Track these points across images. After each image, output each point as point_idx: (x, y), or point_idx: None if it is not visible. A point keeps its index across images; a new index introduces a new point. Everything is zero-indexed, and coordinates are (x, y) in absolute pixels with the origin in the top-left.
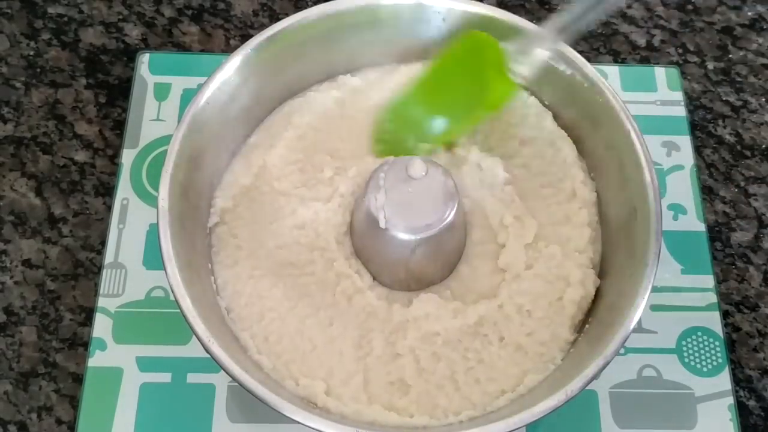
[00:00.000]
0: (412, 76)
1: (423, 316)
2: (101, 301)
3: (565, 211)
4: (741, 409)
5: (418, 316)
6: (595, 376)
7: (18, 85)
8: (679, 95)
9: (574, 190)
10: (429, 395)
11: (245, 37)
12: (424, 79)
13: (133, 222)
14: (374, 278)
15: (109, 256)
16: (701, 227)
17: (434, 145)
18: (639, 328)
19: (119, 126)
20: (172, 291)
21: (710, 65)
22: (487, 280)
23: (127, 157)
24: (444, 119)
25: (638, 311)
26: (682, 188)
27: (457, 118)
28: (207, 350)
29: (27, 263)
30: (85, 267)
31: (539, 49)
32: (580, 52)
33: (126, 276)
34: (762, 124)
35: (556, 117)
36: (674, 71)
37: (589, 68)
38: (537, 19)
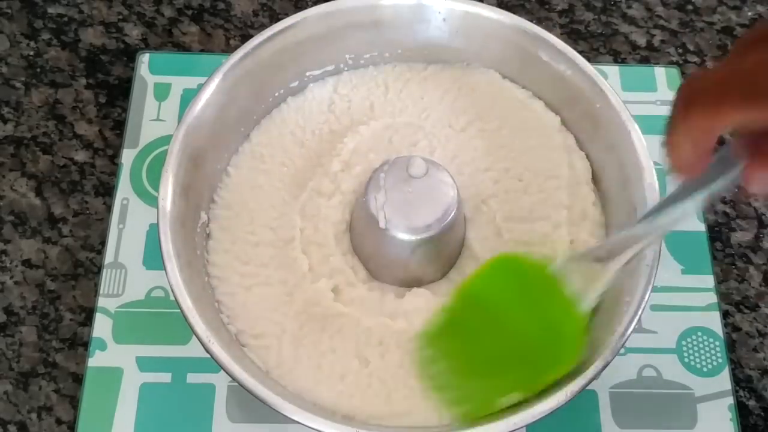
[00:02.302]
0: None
1: (412, 310)
2: (101, 301)
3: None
4: (741, 409)
5: (408, 309)
6: (595, 376)
7: (18, 85)
8: None
9: (584, 211)
10: (409, 391)
11: (245, 37)
12: (455, 313)
13: (133, 222)
14: (372, 276)
15: (109, 256)
16: (701, 227)
17: (515, 397)
18: (639, 328)
19: (119, 126)
20: (172, 291)
21: (710, 65)
22: None
23: (127, 157)
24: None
25: (638, 311)
26: None
27: (521, 378)
28: (207, 350)
29: (27, 263)
30: (85, 267)
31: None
32: (580, 52)
33: (126, 276)
34: None
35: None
36: (674, 71)
37: (589, 68)
38: (537, 19)
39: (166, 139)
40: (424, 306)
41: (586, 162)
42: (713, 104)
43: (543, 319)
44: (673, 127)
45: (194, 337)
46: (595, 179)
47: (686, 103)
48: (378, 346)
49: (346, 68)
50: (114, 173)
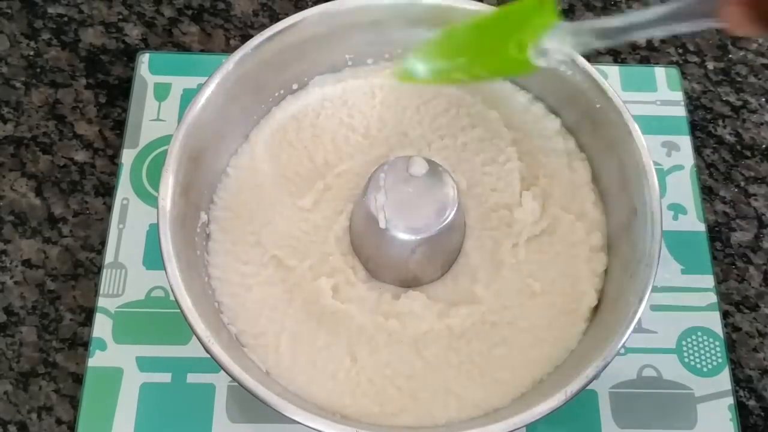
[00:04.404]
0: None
1: (406, 312)
2: (101, 301)
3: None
4: (741, 409)
5: (401, 311)
6: (595, 377)
7: (18, 85)
8: (679, 95)
9: (583, 211)
10: (397, 391)
11: (245, 37)
12: (481, 20)
13: (133, 222)
14: (371, 275)
15: (109, 256)
16: (701, 227)
17: (442, 79)
18: (639, 328)
19: (119, 126)
20: (172, 291)
21: (710, 65)
22: (479, 288)
23: (127, 157)
24: (467, 62)
25: (638, 311)
26: (682, 188)
27: (475, 66)
28: (207, 350)
29: (27, 263)
30: (85, 267)
31: (577, 40)
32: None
33: (126, 276)
34: (762, 124)
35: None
36: (674, 71)
37: (589, 68)
38: None
39: (166, 139)
40: (418, 308)
41: (586, 163)
42: None
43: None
44: None
45: (194, 337)
46: (595, 179)
47: None
48: (367, 343)
49: (346, 68)
50: (114, 173)
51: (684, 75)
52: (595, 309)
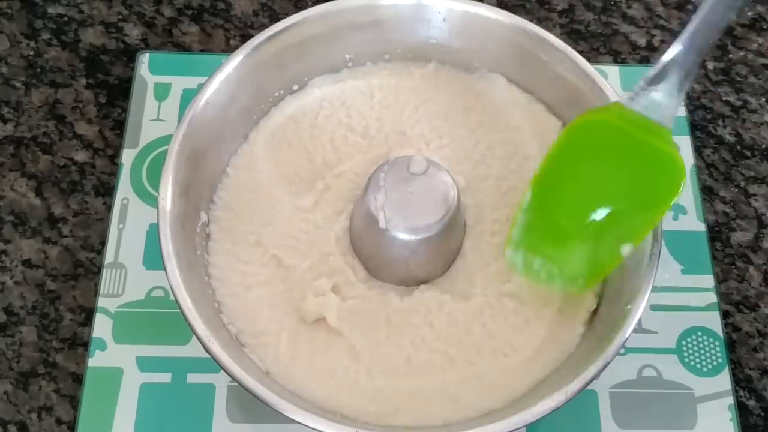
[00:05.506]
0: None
1: (415, 309)
2: (101, 301)
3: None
4: (741, 409)
5: (411, 308)
6: (595, 377)
7: (18, 85)
8: None
9: None
10: (394, 390)
11: (245, 37)
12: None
13: (133, 222)
14: (371, 275)
15: (109, 256)
16: (701, 227)
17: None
18: (639, 328)
19: (119, 126)
20: (172, 291)
21: (710, 65)
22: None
23: (127, 157)
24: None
25: (638, 311)
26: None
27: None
28: (207, 350)
29: (27, 263)
30: (85, 267)
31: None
32: (580, 52)
33: (126, 276)
34: (762, 124)
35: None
36: None
37: (589, 68)
38: (537, 19)
39: (166, 139)
40: (414, 308)
41: None
42: None
43: (635, 166)
44: None
45: (194, 337)
46: None
47: None
48: (365, 343)
49: (345, 69)
50: (114, 173)
51: None
52: (594, 312)
